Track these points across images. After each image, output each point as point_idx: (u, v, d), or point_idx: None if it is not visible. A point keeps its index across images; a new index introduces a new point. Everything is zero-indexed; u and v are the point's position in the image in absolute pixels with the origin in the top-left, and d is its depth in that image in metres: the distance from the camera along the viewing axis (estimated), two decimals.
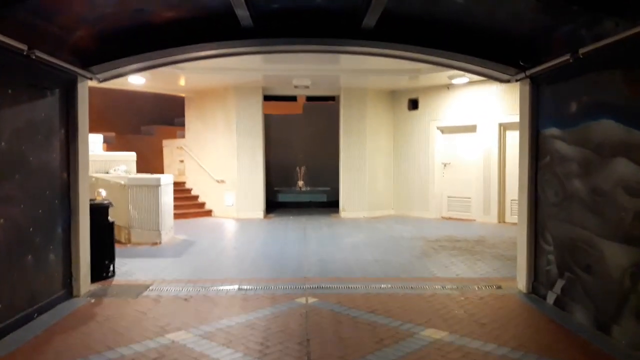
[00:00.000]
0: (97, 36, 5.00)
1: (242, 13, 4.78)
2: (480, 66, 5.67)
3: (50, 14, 4.22)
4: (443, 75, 10.83)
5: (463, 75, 10.68)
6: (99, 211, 6.36)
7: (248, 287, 5.88)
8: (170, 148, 14.00)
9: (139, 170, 14.27)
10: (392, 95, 12.93)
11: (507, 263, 7.21)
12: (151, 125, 17.96)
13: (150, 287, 5.93)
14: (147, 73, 10.45)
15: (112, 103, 17.94)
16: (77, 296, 5.48)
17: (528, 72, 5.36)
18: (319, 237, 9.46)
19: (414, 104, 12.66)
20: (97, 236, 6.23)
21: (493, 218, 11.31)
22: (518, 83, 5.86)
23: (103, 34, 5.02)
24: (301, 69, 10.51)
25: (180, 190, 13.14)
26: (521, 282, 5.86)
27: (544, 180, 5.43)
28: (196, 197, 13.05)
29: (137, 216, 8.77)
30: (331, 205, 13.76)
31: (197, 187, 13.12)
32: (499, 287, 5.98)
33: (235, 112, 12.16)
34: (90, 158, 10.23)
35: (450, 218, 12.04)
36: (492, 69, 5.67)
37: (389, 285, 5.97)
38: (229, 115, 12.30)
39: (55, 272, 5.12)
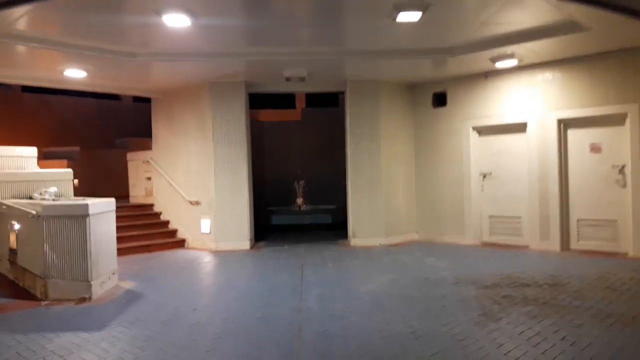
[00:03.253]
0: None
1: None
2: None
3: None
4: (481, 58, 8.11)
5: (511, 56, 7.97)
6: None
7: None
8: (136, 162, 11.30)
9: (101, 192, 11.79)
10: (412, 89, 10.19)
11: (629, 332, 4.41)
12: (127, 137, 15.25)
13: None
14: (89, 65, 7.89)
15: (83, 113, 15.52)
16: None
17: None
18: (321, 282, 6.66)
19: (440, 100, 9.92)
20: None
21: (553, 244, 8.48)
22: None
23: None
24: (294, 53, 7.81)
25: (147, 215, 10.44)
26: None
27: None
28: (166, 224, 10.30)
29: (55, 261, 6.02)
30: (338, 227, 11.03)
31: (168, 210, 10.38)
32: None
33: (212, 116, 9.44)
34: (5, 178, 7.68)
35: (494, 244, 9.20)
36: None
37: None
38: (203, 119, 9.58)
39: None
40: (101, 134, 15.54)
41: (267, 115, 15.64)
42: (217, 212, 9.41)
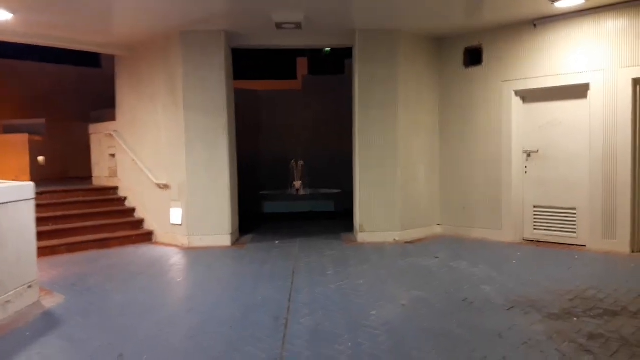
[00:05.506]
0: None
1: None
2: None
3: None
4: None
5: None
6: None
7: None
8: (98, 136, 9.36)
9: (74, 172, 10.12)
10: (439, 43, 8.12)
11: None
12: (105, 109, 13.25)
13: None
14: (16, 3, 5.91)
15: (55, 82, 13.64)
16: None
17: None
18: (317, 302, 4.75)
19: (474, 57, 7.85)
20: None
21: (622, 244, 6.53)
22: None
23: None
24: None
25: (108, 201, 8.55)
26: None
27: None
28: (131, 212, 8.41)
29: None
30: (342, 216, 9.15)
31: (134, 195, 8.47)
32: None
33: (183, 75, 7.44)
34: None
35: (539, 242, 7.27)
36: None
37: None
38: (173, 80, 7.59)
39: None
40: (76, 105, 13.61)
41: (263, 84, 13.68)
42: (189, 197, 7.49)
